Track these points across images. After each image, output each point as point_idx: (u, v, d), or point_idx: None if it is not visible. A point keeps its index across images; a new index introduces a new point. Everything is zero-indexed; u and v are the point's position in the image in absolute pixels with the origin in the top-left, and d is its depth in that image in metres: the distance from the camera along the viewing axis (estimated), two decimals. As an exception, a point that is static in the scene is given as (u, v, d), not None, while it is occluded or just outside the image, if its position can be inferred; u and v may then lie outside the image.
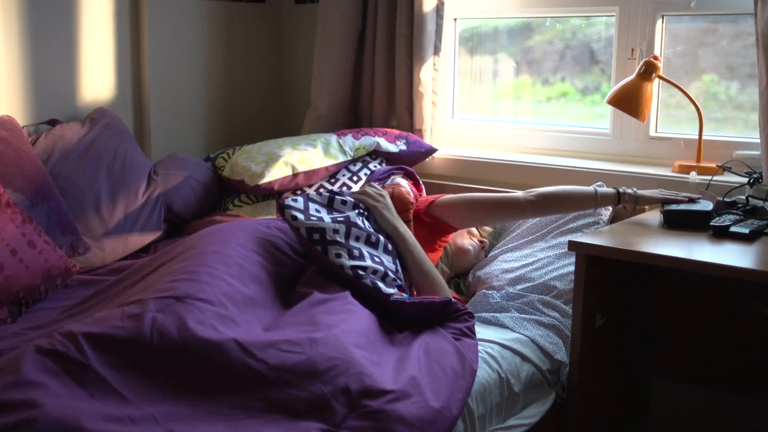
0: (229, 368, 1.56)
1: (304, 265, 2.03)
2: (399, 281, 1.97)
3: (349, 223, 1.98)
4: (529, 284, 2.25)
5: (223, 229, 2.05)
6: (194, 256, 1.88)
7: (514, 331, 2.06)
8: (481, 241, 2.49)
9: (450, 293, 2.18)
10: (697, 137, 2.53)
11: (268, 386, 1.55)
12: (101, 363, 1.52)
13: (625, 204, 2.25)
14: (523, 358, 1.97)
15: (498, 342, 1.98)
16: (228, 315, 1.69)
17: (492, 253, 2.48)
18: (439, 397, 1.62)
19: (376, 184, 2.26)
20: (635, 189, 2.26)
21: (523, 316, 2.13)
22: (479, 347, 1.88)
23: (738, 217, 2.11)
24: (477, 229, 2.53)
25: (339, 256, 1.90)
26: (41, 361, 1.49)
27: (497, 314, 2.14)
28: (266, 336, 1.65)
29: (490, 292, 2.27)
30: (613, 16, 2.73)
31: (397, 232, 2.11)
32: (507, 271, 2.34)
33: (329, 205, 2.05)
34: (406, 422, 1.52)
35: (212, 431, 1.47)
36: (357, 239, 1.97)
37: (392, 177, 2.48)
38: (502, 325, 2.10)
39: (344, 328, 1.71)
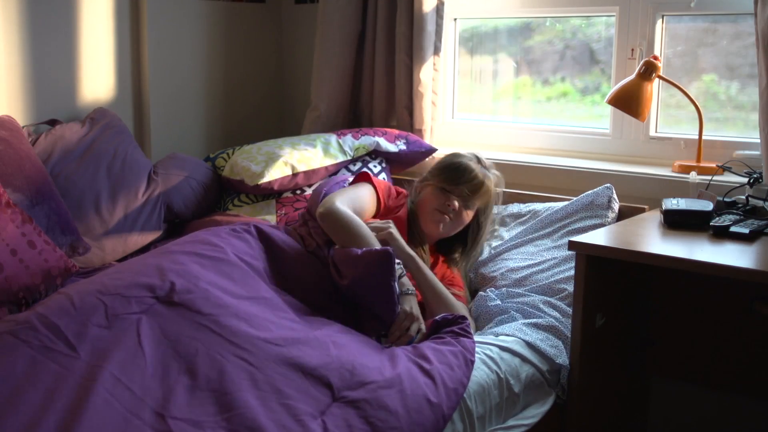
0: (214, 353, 1.61)
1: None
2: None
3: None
4: (535, 285, 2.24)
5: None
6: (165, 254, 1.92)
7: (515, 337, 2.05)
8: (449, 204, 2.25)
9: (466, 311, 2.19)
10: (697, 137, 2.53)
11: (254, 369, 1.59)
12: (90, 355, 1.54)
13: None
14: (523, 359, 1.97)
15: (497, 344, 1.98)
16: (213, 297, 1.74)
17: (495, 250, 2.46)
18: (429, 387, 1.66)
19: (376, 220, 2.24)
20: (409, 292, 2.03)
21: (524, 321, 2.11)
22: (478, 348, 1.89)
23: (738, 217, 2.11)
24: (448, 197, 2.26)
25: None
26: (32, 357, 1.50)
27: (496, 328, 2.10)
28: (252, 329, 1.70)
29: (487, 293, 2.25)
30: (613, 16, 2.73)
31: (407, 254, 2.14)
32: (512, 270, 2.33)
33: None
34: (389, 410, 1.57)
35: (203, 413, 1.48)
36: None
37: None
38: (503, 335, 2.08)
39: (325, 332, 1.78)
